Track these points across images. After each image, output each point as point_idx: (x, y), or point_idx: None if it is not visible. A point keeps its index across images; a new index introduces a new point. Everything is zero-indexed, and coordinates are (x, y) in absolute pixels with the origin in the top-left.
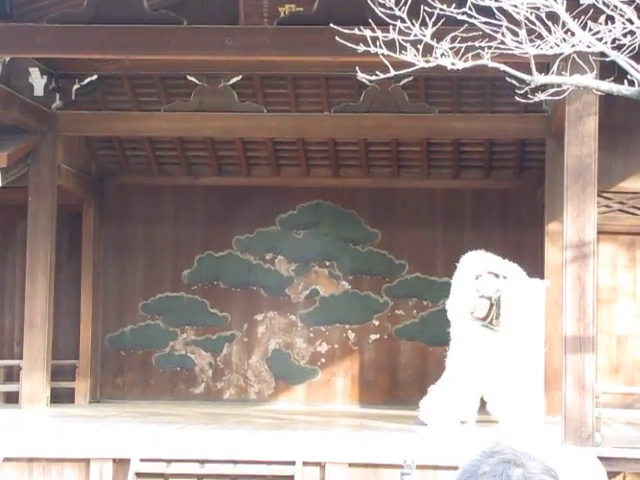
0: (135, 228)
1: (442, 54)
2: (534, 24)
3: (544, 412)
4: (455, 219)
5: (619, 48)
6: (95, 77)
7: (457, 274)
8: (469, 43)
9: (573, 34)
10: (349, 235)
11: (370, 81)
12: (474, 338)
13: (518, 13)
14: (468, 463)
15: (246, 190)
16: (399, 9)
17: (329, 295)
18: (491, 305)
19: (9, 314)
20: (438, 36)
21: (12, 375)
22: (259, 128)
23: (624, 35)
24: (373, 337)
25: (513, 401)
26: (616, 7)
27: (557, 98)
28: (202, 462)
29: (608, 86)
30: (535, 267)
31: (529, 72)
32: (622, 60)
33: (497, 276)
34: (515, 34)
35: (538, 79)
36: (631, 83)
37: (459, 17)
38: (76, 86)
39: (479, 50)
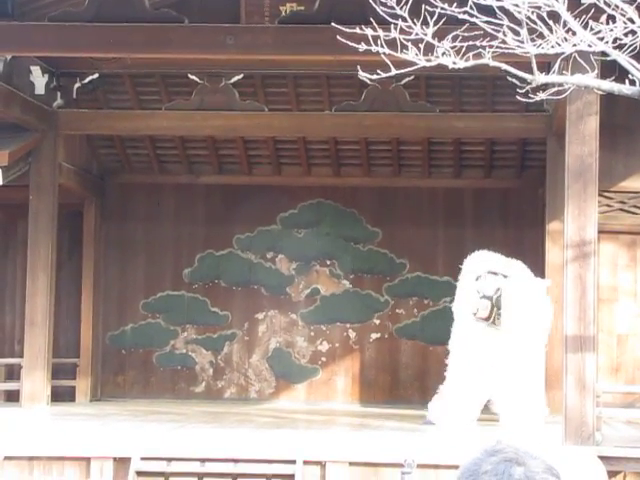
0: (136, 227)
1: (443, 53)
2: (535, 23)
3: (548, 411)
4: (456, 218)
5: (620, 47)
6: (96, 75)
7: (461, 275)
8: (470, 42)
9: (574, 33)
10: (350, 234)
11: (371, 80)
12: (480, 339)
13: (519, 12)
14: (470, 462)
15: (247, 189)
16: (400, 8)
17: (330, 294)
18: (492, 305)
19: (10, 312)
20: (439, 35)
21: (13, 373)
22: (260, 127)
23: (625, 34)
24: (374, 336)
25: (516, 400)
26: (617, 6)
27: (558, 97)
28: (203, 461)
29: (609, 85)
30: (536, 266)
31: (530, 71)
32: (623, 59)
33: (496, 274)
34: (516, 33)
35: (539, 78)
36: (632, 82)
37: (460, 16)
38: (77, 84)
39: (480, 49)
